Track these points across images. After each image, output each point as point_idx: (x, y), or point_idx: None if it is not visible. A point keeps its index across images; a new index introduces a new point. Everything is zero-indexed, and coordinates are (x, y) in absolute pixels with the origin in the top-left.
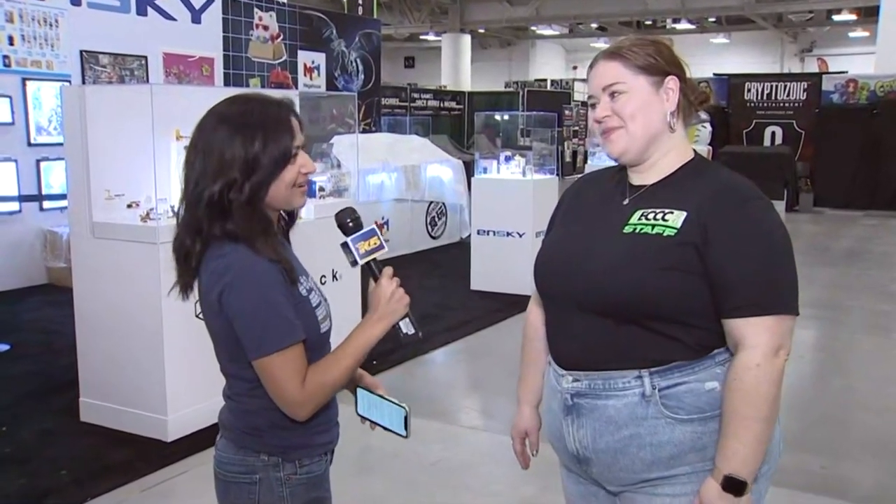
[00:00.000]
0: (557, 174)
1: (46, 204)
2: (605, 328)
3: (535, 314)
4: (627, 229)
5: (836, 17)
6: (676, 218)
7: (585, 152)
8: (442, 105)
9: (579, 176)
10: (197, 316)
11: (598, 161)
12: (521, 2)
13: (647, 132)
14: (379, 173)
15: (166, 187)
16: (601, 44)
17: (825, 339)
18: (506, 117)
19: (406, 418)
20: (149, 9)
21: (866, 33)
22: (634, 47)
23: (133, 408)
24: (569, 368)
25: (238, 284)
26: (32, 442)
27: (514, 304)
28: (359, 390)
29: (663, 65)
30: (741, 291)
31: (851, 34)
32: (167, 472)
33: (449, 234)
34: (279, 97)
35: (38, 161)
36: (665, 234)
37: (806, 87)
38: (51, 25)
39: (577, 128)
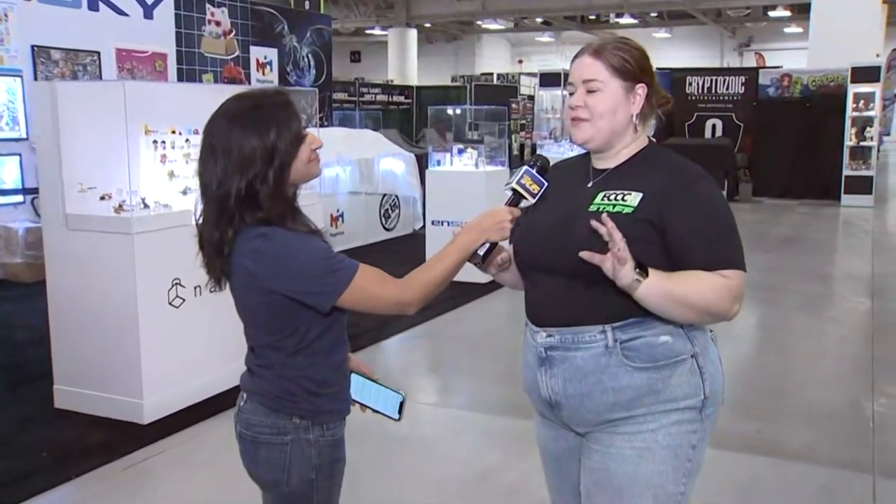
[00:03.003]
0: (507, 166)
1: (0, 199)
2: (574, 291)
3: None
4: (592, 208)
5: (771, 14)
6: (633, 198)
7: (533, 145)
8: (390, 99)
9: None
10: (171, 303)
11: (547, 153)
12: None
13: (611, 129)
14: (333, 166)
15: (136, 180)
16: (546, 38)
17: (763, 318)
18: (457, 111)
19: (401, 404)
20: (101, 4)
21: (800, 29)
22: (617, 51)
23: (109, 393)
24: (543, 325)
25: (289, 252)
26: (10, 428)
27: (470, 291)
28: (353, 375)
29: (637, 72)
30: (699, 256)
31: (786, 30)
32: (145, 453)
33: (403, 225)
34: (275, 89)
35: None
36: (624, 212)
37: (744, 81)
38: (0, 20)
39: (524, 121)
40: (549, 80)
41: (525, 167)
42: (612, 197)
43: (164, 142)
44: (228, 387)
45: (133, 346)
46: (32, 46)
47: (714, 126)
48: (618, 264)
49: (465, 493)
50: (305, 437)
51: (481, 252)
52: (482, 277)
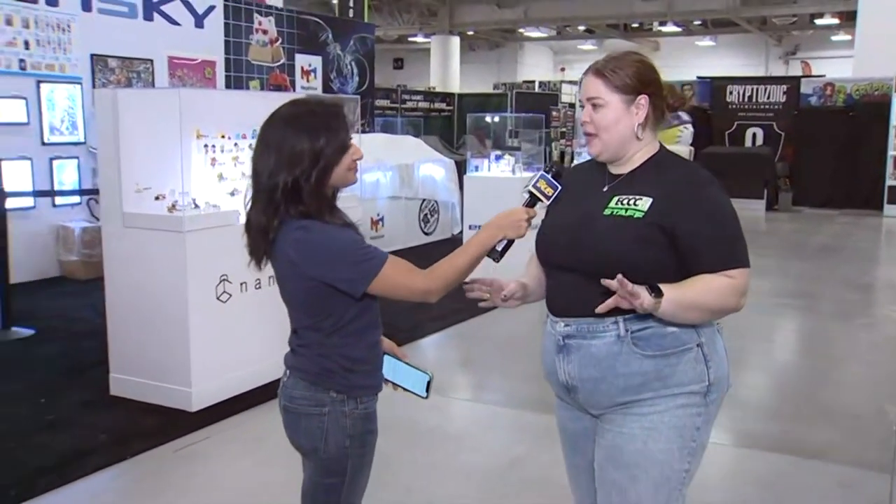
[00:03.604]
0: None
1: (59, 200)
2: (590, 286)
3: (533, 263)
4: (607, 212)
5: (818, 21)
6: (644, 203)
7: (572, 153)
8: (432, 106)
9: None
10: (218, 298)
11: (581, 160)
12: (509, 4)
13: (617, 140)
14: (374, 172)
15: (188, 181)
16: (589, 45)
17: (797, 324)
18: (496, 119)
19: (429, 383)
20: (155, 14)
21: (849, 37)
22: (616, 69)
23: (160, 381)
24: (562, 316)
25: (325, 243)
26: (71, 411)
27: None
28: (386, 356)
29: (637, 85)
30: (709, 255)
31: (834, 38)
32: (193, 437)
33: (441, 230)
34: (332, 99)
35: (51, 159)
36: (635, 216)
37: (785, 90)
38: (63, 30)
39: (564, 129)
40: None
41: (541, 172)
42: (625, 202)
43: (213, 146)
44: (272, 378)
45: (183, 338)
46: (91, 55)
47: (754, 135)
48: (634, 300)
49: (491, 482)
50: (341, 409)
51: (499, 248)
52: None
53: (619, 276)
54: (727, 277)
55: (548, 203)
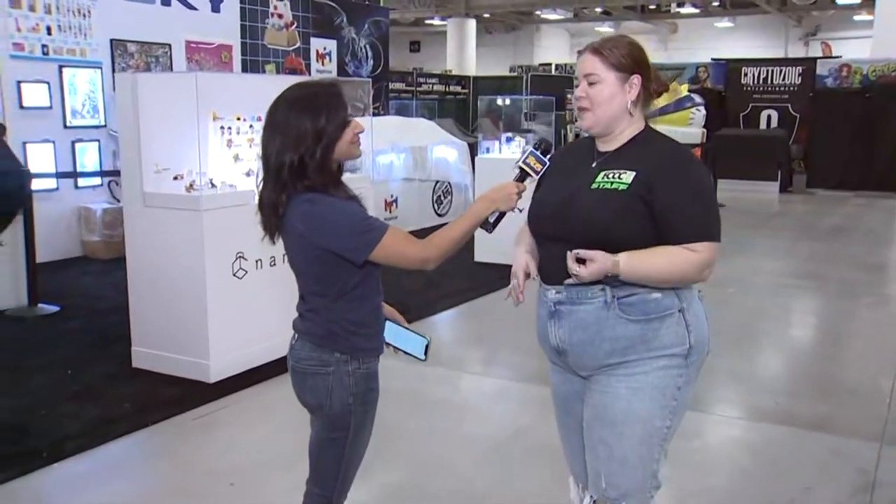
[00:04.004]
0: None
1: (81, 182)
2: None
3: (526, 234)
4: (594, 185)
5: (840, 1)
6: (628, 177)
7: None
8: (447, 89)
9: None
10: (234, 275)
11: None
12: None
13: (609, 115)
14: (388, 154)
15: (205, 162)
16: (606, 28)
17: (802, 303)
18: (507, 101)
19: (427, 346)
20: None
21: (871, 17)
22: (613, 48)
23: (179, 354)
24: (553, 284)
25: (330, 214)
26: (96, 382)
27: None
28: (387, 322)
29: (631, 65)
30: (680, 228)
31: (856, 17)
32: (211, 407)
33: (454, 211)
34: (330, 80)
35: (73, 142)
36: (619, 189)
37: (801, 71)
38: (84, 16)
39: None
40: None
41: (531, 149)
42: (611, 175)
43: (230, 128)
44: (285, 353)
45: (201, 313)
46: (111, 40)
47: (769, 117)
48: (591, 264)
49: (494, 449)
50: (345, 368)
51: (492, 219)
52: None
53: (572, 257)
54: (690, 251)
55: (537, 177)
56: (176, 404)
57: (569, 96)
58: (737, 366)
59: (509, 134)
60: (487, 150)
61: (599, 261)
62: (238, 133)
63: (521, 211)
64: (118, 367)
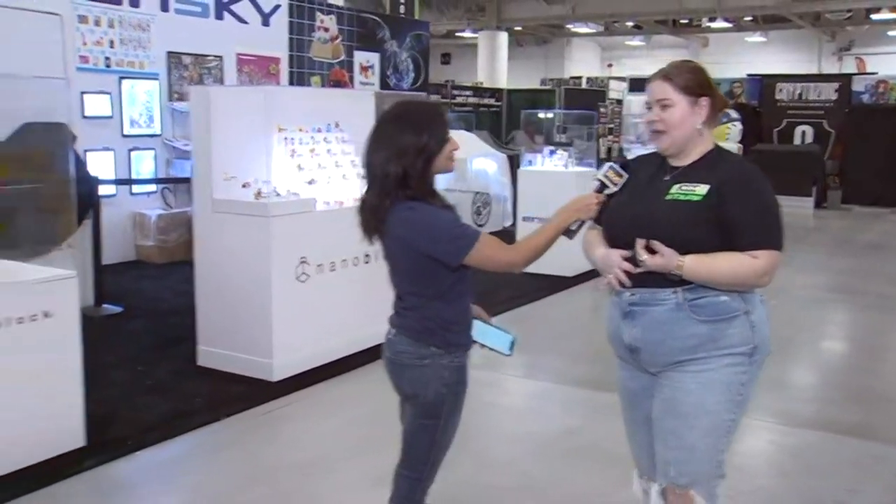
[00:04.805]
0: (596, 167)
1: (136, 188)
2: None
3: (597, 241)
4: (668, 197)
5: (875, 17)
6: (702, 189)
7: (620, 148)
8: (481, 102)
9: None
10: (297, 278)
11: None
12: (557, 0)
13: (683, 137)
14: None
15: (270, 171)
16: (636, 41)
17: (838, 316)
18: (549, 115)
19: (512, 343)
20: (225, 13)
21: None
22: (681, 73)
23: (243, 353)
24: (627, 286)
25: (429, 221)
26: (166, 378)
27: (557, 283)
28: (474, 320)
29: (699, 88)
30: (744, 237)
31: (891, 33)
32: (276, 404)
33: (493, 222)
34: (432, 100)
35: (129, 150)
36: (693, 199)
37: (837, 87)
38: (143, 29)
39: (612, 125)
40: (639, 85)
41: (610, 164)
42: (686, 188)
43: (293, 139)
44: (345, 353)
45: (266, 314)
46: (168, 52)
47: (804, 133)
48: (660, 261)
49: (543, 447)
50: (440, 362)
51: (573, 227)
52: (569, 271)
53: (641, 244)
54: (752, 257)
55: (616, 189)
56: (242, 401)
57: (602, 110)
58: (775, 373)
59: (552, 147)
60: (530, 163)
61: (667, 256)
62: (301, 144)
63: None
64: (184, 365)
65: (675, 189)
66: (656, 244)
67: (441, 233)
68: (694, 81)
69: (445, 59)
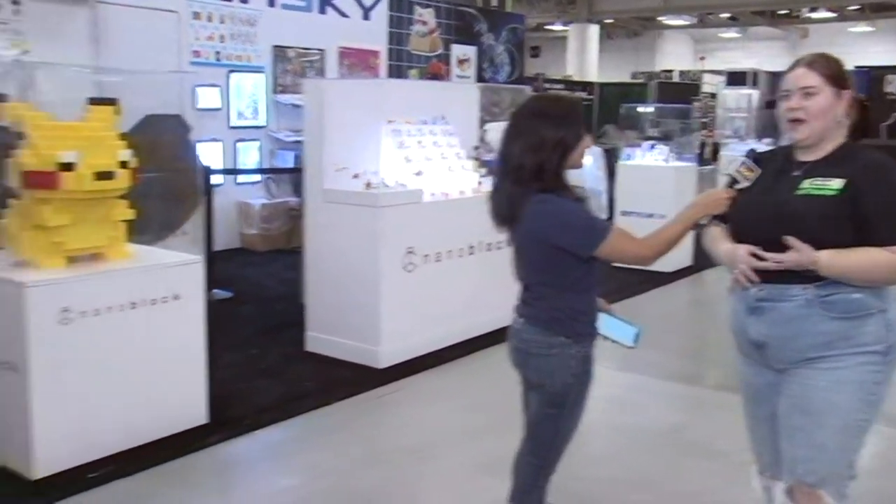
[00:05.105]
0: (697, 163)
1: (241, 178)
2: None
3: (717, 230)
4: (799, 192)
5: None
6: (836, 183)
7: (714, 143)
8: (572, 95)
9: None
10: (404, 268)
11: (732, 151)
12: None
13: (822, 128)
14: None
15: (380, 162)
16: (731, 34)
17: None
18: (650, 109)
19: (637, 335)
20: (328, 7)
21: None
22: (828, 63)
23: (351, 340)
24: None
25: (562, 214)
26: (277, 362)
27: (656, 278)
28: (600, 315)
29: (843, 79)
30: (881, 231)
31: None
32: (385, 389)
33: None
34: (569, 96)
35: (235, 142)
36: (827, 195)
37: None
38: (251, 24)
39: (705, 120)
40: (736, 78)
41: (744, 158)
42: (817, 183)
43: (400, 131)
44: (449, 343)
45: (373, 302)
46: (273, 46)
47: None
48: (795, 258)
49: (654, 442)
50: (568, 351)
51: (703, 222)
52: (668, 267)
53: (793, 240)
54: (891, 253)
55: (747, 185)
56: (351, 386)
57: (696, 104)
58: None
59: (652, 141)
60: (629, 157)
61: (804, 253)
62: (409, 136)
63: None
64: (293, 350)
65: (806, 184)
66: (792, 240)
67: (574, 225)
68: (838, 72)
69: (534, 51)
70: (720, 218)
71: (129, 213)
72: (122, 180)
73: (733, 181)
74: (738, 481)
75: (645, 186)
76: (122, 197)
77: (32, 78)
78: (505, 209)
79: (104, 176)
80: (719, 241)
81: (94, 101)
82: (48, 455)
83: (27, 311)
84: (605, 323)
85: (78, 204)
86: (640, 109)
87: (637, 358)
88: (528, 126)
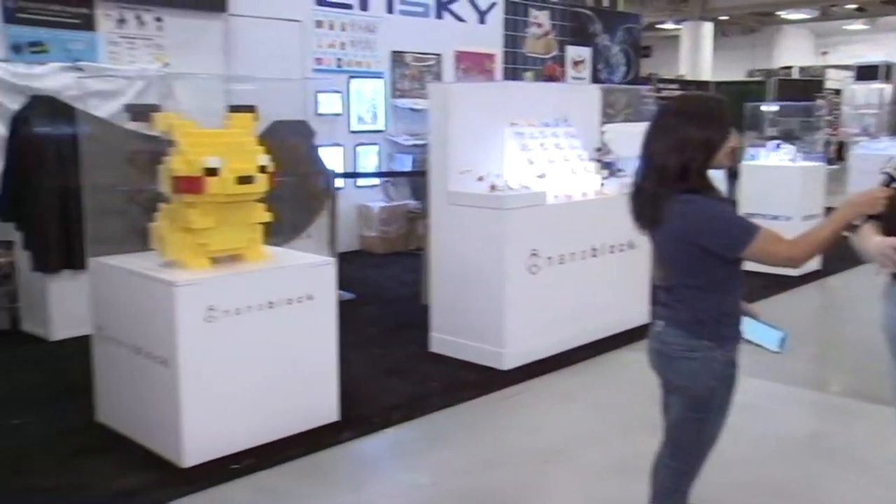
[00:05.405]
0: (826, 162)
1: (360, 182)
2: None
3: (867, 227)
4: None
5: None
6: None
7: (839, 142)
8: None
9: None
10: (528, 270)
11: (865, 150)
12: None
13: None
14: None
15: (500, 165)
16: (858, 25)
17: None
18: (774, 108)
19: (783, 340)
20: (444, 13)
21: None
22: None
23: (475, 342)
24: None
25: (707, 214)
26: (402, 362)
27: (781, 282)
28: (744, 318)
29: None
30: None
31: None
32: (511, 391)
33: None
34: (714, 96)
35: (355, 146)
36: None
37: None
38: (371, 31)
39: (830, 117)
40: (867, 73)
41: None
42: None
43: (523, 133)
44: (572, 346)
45: (498, 304)
46: (391, 52)
47: None
48: None
49: (794, 450)
50: (711, 354)
51: (857, 223)
52: (796, 270)
53: None
54: None
55: None
56: (476, 387)
57: (819, 101)
58: None
59: (778, 140)
60: (752, 157)
61: None
62: (531, 138)
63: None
64: (416, 350)
65: None
66: None
67: (721, 225)
68: None
69: (645, 51)
70: (875, 218)
71: (267, 216)
72: (261, 184)
73: (889, 179)
74: (881, 495)
75: (770, 187)
76: (260, 200)
77: (171, 88)
78: (648, 211)
79: (245, 180)
80: (868, 237)
81: (234, 109)
82: (195, 445)
83: (177, 309)
84: (749, 326)
85: (221, 207)
86: (764, 108)
87: (768, 363)
88: (672, 125)
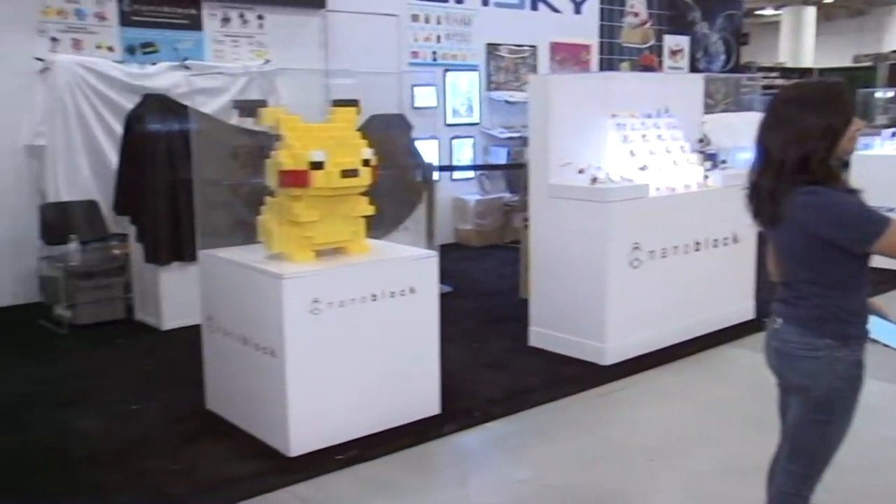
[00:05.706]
0: None
1: (456, 175)
2: None
3: None
4: None
5: None
6: None
7: None
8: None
9: None
10: (630, 264)
11: None
12: None
13: None
14: (746, 151)
15: (600, 157)
16: None
17: None
18: (890, 94)
19: None
20: (539, 4)
21: None
22: None
23: (576, 336)
24: None
25: (832, 206)
26: (500, 356)
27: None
28: (871, 317)
29: None
30: None
31: None
32: (612, 386)
33: None
34: (830, 79)
35: (451, 139)
36: None
37: None
38: (466, 24)
39: None
40: None
41: None
42: None
43: (624, 125)
44: (674, 341)
45: (599, 299)
46: (486, 44)
47: None
48: None
49: None
50: (835, 354)
51: None
52: None
53: None
54: None
55: None
56: (576, 382)
57: None
58: None
59: (894, 129)
60: (866, 147)
61: None
62: (633, 129)
63: None
64: (515, 344)
65: None
66: None
67: (848, 218)
68: None
69: (743, 38)
70: None
71: (370, 209)
72: (365, 177)
73: None
74: None
75: (886, 177)
76: (363, 194)
77: (273, 84)
78: (767, 208)
79: (349, 174)
80: None
81: (338, 103)
82: (302, 435)
83: (284, 301)
84: (876, 325)
85: (325, 201)
86: (879, 95)
87: (888, 364)
88: (789, 116)
